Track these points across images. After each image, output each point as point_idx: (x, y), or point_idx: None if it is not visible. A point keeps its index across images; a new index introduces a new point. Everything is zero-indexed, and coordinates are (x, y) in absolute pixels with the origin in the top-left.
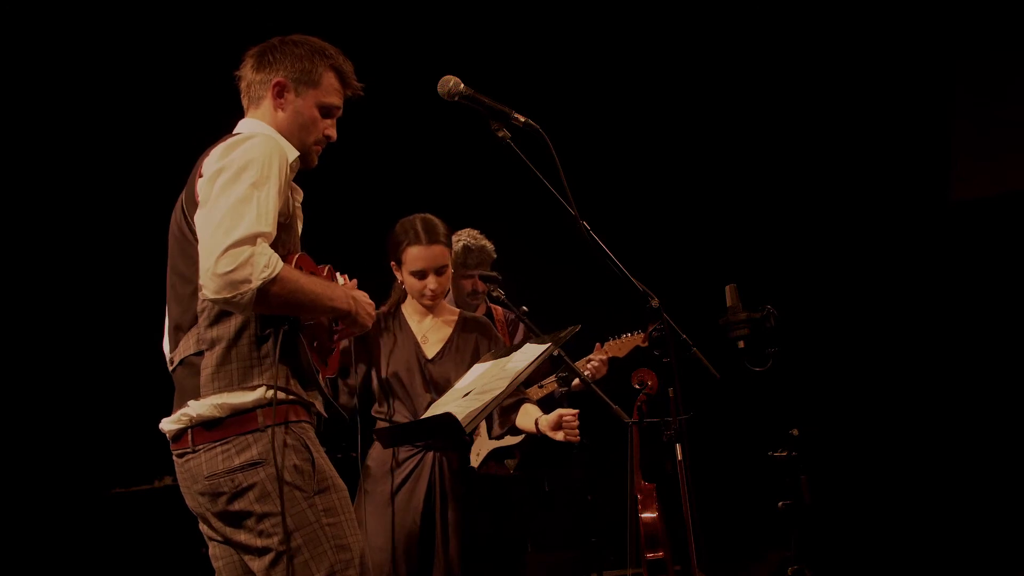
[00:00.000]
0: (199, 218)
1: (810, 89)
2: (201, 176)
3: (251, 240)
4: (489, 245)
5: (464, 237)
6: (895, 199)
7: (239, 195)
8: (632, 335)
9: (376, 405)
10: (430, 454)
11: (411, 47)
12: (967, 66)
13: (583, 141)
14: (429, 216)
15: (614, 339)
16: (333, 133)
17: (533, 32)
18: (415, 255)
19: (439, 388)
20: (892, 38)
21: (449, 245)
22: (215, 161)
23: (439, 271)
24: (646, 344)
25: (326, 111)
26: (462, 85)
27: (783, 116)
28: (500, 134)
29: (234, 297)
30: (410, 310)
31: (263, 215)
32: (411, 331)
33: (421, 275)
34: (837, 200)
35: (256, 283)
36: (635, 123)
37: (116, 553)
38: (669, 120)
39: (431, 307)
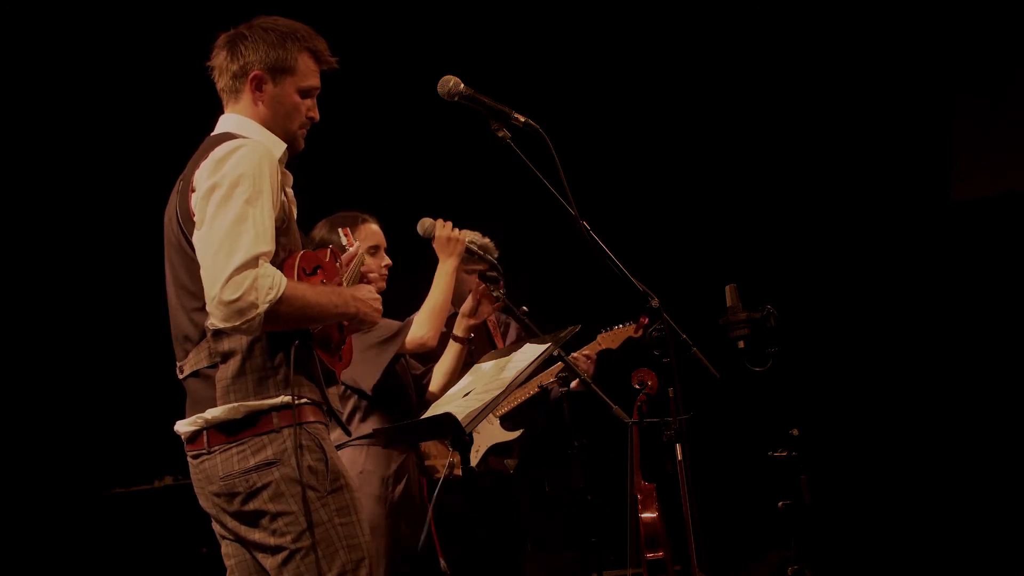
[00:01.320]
0: (198, 240)
1: (810, 89)
2: (194, 190)
3: (252, 263)
4: (491, 243)
5: (470, 235)
6: (895, 199)
7: (235, 214)
8: (624, 326)
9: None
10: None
11: (411, 47)
12: (967, 66)
13: (583, 141)
14: None
15: (606, 331)
16: (315, 113)
17: (533, 32)
18: (372, 230)
19: (420, 385)
20: (892, 38)
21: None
22: (206, 177)
23: (385, 251)
24: (639, 334)
25: (305, 94)
26: (462, 85)
27: (783, 116)
28: (500, 134)
29: (242, 324)
30: None
31: (261, 233)
32: None
33: (375, 250)
34: (837, 200)
35: (263, 307)
36: (635, 123)
37: (116, 553)
38: (669, 120)
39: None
